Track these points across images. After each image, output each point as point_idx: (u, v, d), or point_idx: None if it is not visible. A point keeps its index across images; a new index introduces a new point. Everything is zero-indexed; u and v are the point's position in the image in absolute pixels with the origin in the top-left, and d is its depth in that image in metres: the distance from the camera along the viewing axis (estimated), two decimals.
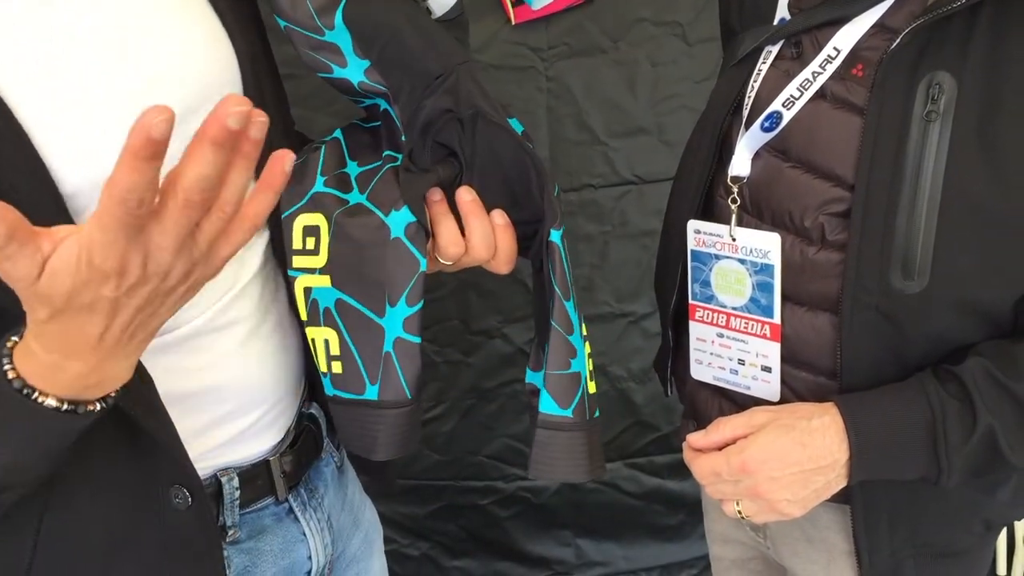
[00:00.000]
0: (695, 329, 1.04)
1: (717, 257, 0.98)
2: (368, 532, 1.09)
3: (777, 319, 0.95)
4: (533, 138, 0.92)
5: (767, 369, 0.97)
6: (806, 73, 0.89)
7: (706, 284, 1.00)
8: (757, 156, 0.94)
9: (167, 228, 0.55)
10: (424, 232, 0.82)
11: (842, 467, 0.87)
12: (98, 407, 0.66)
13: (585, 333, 0.86)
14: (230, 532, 0.86)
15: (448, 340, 1.92)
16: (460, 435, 1.98)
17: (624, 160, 1.81)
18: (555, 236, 0.82)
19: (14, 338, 0.64)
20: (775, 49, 0.95)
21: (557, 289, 0.82)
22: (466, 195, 0.84)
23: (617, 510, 2.02)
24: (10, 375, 0.63)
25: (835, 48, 0.88)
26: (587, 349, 0.86)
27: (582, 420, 0.84)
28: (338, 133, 0.91)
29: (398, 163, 0.85)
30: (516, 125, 0.88)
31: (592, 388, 0.87)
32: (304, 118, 0.95)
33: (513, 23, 1.71)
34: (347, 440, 0.89)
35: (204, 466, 0.82)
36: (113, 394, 0.66)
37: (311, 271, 0.82)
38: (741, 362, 1.00)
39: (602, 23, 1.74)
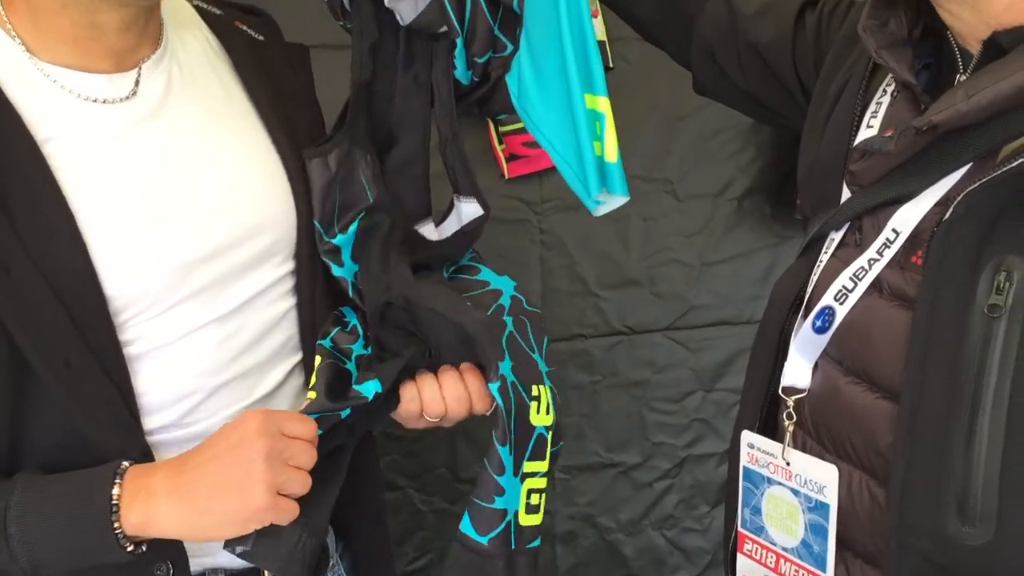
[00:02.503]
0: (742, 564, 0.86)
1: (769, 481, 0.83)
2: None
3: (830, 573, 0.76)
4: (523, 287, 0.97)
5: None
6: (861, 260, 0.75)
7: (756, 511, 0.84)
8: (816, 365, 0.79)
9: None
10: (386, 401, 0.88)
11: None
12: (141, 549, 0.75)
13: (538, 469, 0.87)
14: None
15: (435, 488, 1.89)
16: None
17: (615, 311, 1.83)
18: (492, 388, 0.85)
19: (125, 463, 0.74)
20: (838, 236, 0.80)
21: (492, 433, 0.85)
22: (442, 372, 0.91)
23: None
24: (115, 498, 0.72)
25: (893, 230, 0.73)
26: (528, 486, 0.87)
27: (503, 550, 0.85)
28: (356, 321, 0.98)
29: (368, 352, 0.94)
30: (488, 274, 0.97)
31: (529, 520, 0.87)
32: None
33: (507, 177, 1.77)
34: None
35: (194, 563, 0.82)
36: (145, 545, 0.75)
37: None
38: None
39: None
